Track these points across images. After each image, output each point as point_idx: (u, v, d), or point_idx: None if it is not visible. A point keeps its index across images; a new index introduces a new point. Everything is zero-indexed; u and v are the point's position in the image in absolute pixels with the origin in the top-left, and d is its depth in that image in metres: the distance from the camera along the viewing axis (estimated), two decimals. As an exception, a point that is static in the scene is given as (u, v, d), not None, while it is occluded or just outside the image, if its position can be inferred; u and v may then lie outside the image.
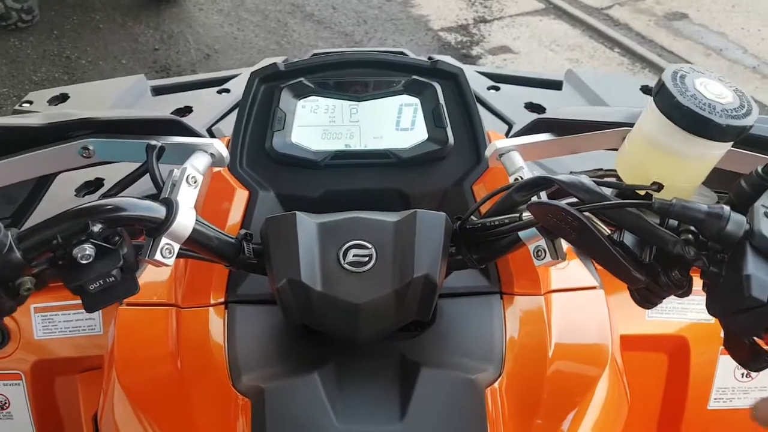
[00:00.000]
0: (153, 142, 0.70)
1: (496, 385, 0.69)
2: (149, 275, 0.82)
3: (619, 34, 3.83)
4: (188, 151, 0.73)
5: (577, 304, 0.78)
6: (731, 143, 0.54)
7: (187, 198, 0.65)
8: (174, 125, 0.75)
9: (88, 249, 0.56)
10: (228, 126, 1.21)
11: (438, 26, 3.96)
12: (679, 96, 0.53)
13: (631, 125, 0.60)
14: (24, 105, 1.27)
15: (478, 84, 1.31)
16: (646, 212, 0.53)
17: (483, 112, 1.18)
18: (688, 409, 0.94)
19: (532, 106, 1.25)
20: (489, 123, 0.86)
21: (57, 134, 0.72)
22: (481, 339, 0.73)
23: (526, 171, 0.71)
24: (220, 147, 0.74)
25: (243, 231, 0.71)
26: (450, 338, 0.73)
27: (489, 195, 0.67)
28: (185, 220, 0.62)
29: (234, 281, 0.78)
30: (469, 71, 1.38)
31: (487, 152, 0.76)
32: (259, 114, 0.86)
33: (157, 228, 0.60)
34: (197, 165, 0.70)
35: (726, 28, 3.86)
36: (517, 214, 0.62)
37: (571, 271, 0.81)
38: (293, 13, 4.04)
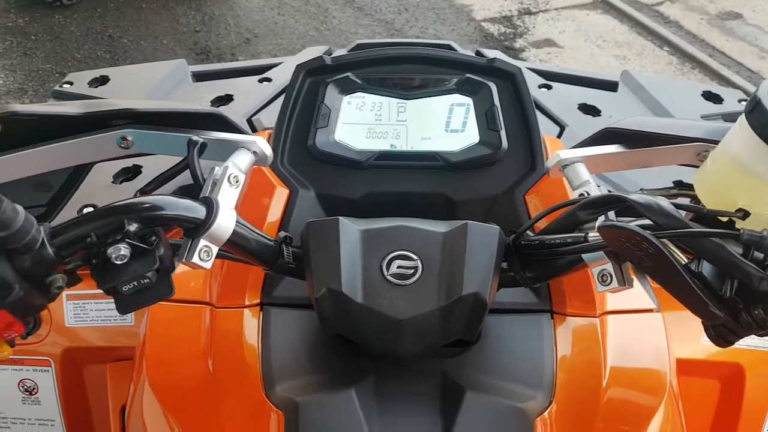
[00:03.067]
0: (195, 138, 0.67)
1: (546, 414, 0.64)
2: (183, 270, 0.80)
3: (669, 32, 3.69)
4: (230, 147, 0.70)
5: (634, 328, 0.72)
6: None
7: (228, 198, 0.62)
8: (217, 120, 0.73)
9: (124, 249, 0.54)
10: (268, 116, 1.18)
11: (481, 17, 3.87)
12: None
13: (710, 141, 0.55)
14: (64, 86, 1.25)
15: (528, 82, 1.26)
16: (729, 241, 0.48)
17: None
18: None
19: (586, 108, 1.19)
20: (540, 124, 0.81)
21: (96, 123, 0.69)
22: (530, 362, 0.68)
23: (593, 186, 0.65)
24: (264, 145, 0.71)
25: (283, 234, 0.68)
26: (496, 359, 0.69)
27: (549, 210, 0.62)
28: (226, 222, 0.59)
29: (270, 283, 0.76)
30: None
31: (549, 163, 0.70)
32: (303, 109, 0.83)
33: (195, 229, 0.58)
34: (240, 164, 0.67)
35: (783, 30, 3.70)
36: (582, 234, 0.57)
37: (628, 291, 0.76)
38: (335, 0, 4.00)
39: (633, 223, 0.50)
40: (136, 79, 1.31)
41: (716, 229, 0.47)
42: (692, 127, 0.68)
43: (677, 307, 0.53)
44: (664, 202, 0.50)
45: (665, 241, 0.49)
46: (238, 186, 0.64)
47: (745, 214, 0.50)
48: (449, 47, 1.11)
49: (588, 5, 4.03)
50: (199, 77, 1.36)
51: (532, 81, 1.27)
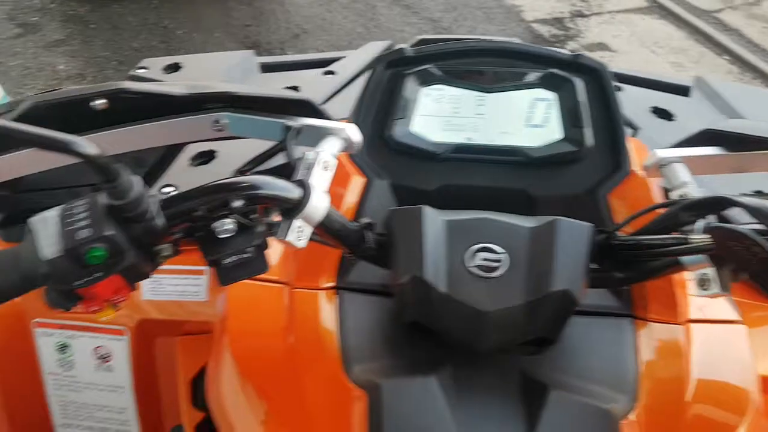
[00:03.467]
0: (291, 123, 0.68)
1: (630, 418, 0.62)
2: None
3: (729, 40, 3.60)
4: (321, 134, 0.71)
5: (719, 339, 0.70)
6: None
7: (320, 182, 0.63)
8: (307, 107, 0.74)
9: (230, 223, 0.56)
10: (333, 108, 1.19)
11: (531, 17, 3.83)
12: None
13: None
14: (139, 71, 1.29)
15: None
16: None
17: None
18: None
19: (658, 111, 1.16)
20: None
21: (195, 104, 0.71)
22: (611, 365, 0.67)
23: (694, 187, 0.64)
24: (355, 133, 0.71)
25: (366, 219, 0.68)
26: (575, 360, 0.67)
27: (646, 209, 0.60)
28: (319, 204, 0.60)
29: (344, 267, 0.76)
30: None
31: (648, 161, 0.69)
32: (382, 100, 0.83)
33: (292, 209, 0.59)
34: (331, 149, 0.68)
35: None
36: (683, 236, 0.55)
37: (711, 300, 0.73)
38: (383, -4, 4.01)
39: (743, 227, 0.49)
40: (206, 67, 1.34)
41: None
42: None
43: (759, 322, 0.51)
44: None
45: None
46: (330, 170, 0.65)
47: None
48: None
49: (643, 9, 3.95)
50: (265, 68, 1.38)
51: None
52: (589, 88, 0.79)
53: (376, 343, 0.70)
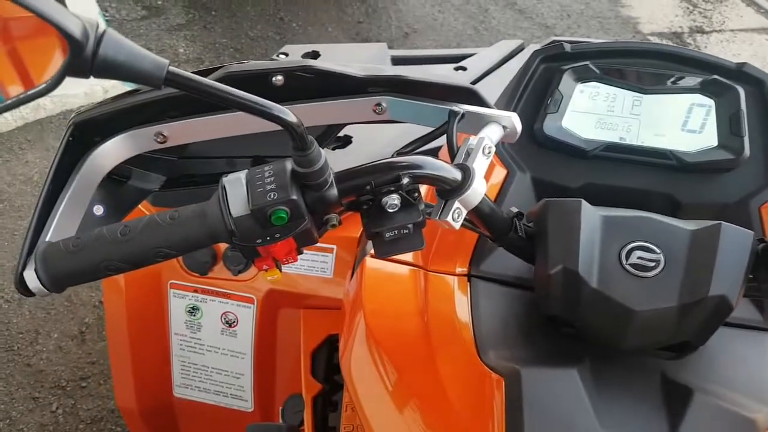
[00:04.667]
0: (456, 109, 0.70)
1: None
2: None
3: None
4: (483, 121, 0.72)
5: None
6: None
7: (480, 167, 0.65)
8: (470, 95, 0.76)
9: (396, 199, 0.59)
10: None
11: (648, 30, 3.72)
12: None
13: None
14: (280, 56, 1.36)
15: None
16: None
17: None
18: None
19: None
20: None
21: (361, 87, 0.74)
22: (754, 377, 0.66)
23: None
24: (516, 121, 0.72)
25: (515, 209, 0.70)
26: (717, 369, 0.67)
27: None
28: (479, 188, 0.62)
29: (477, 256, 0.78)
30: None
31: None
32: (534, 93, 0.84)
33: (452, 191, 0.61)
34: (492, 136, 0.69)
35: None
36: None
37: None
38: (496, 0, 4.00)
39: None
40: (343, 57, 1.39)
41: None
42: None
43: None
44: None
45: None
46: (489, 156, 0.66)
47: None
48: None
49: (767, 30, 3.76)
50: (396, 61, 1.42)
51: None
52: (751, 98, 0.78)
53: (510, 333, 0.71)
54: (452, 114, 0.70)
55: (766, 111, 0.78)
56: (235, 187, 0.55)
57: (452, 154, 0.67)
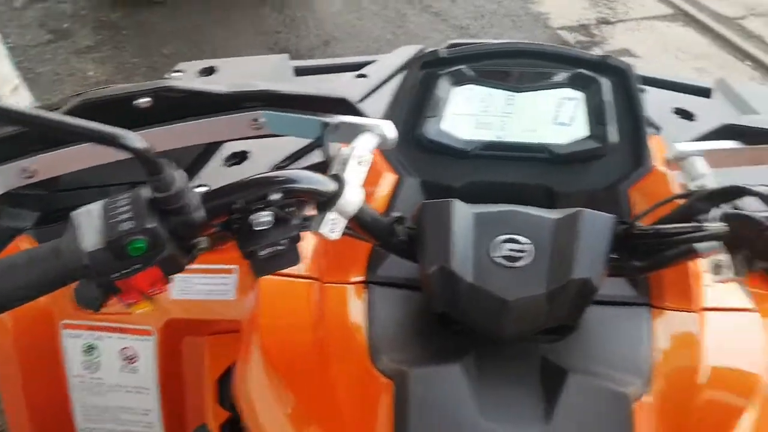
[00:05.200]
0: (328, 120, 0.71)
1: (643, 400, 0.65)
2: None
3: (752, 46, 3.59)
4: (357, 130, 0.73)
5: (732, 327, 0.72)
6: None
7: (355, 176, 0.65)
8: (343, 105, 0.77)
9: (267, 216, 0.57)
10: (365, 110, 1.23)
11: (557, 24, 3.85)
12: None
13: None
14: (174, 74, 1.33)
15: None
16: None
17: None
18: None
19: (680, 112, 1.19)
20: None
21: (233, 103, 0.74)
22: (628, 352, 0.69)
23: (711, 179, 0.67)
24: (390, 129, 0.74)
25: (397, 214, 0.71)
26: (594, 347, 0.70)
27: (665, 200, 0.64)
28: (353, 197, 0.62)
29: (373, 262, 0.78)
30: None
31: (668, 155, 0.72)
32: (415, 99, 0.86)
33: (327, 202, 0.61)
34: (366, 145, 0.70)
35: None
36: (700, 224, 0.59)
37: (725, 289, 0.75)
38: (412, 4, 4.05)
39: (758, 214, 0.52)
40: (241, 70, 1.37)
41: None
42: None
43: None
44: None
45: None
46: (365, 165, 0.67)
47: None
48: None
49: (668, 17, 3.95)
50: (299, 72, 1.42)
51: None
52: (615, 88, 0.82)
53: (403, 335, 0.72)
54: (324, 125, 0.71)
55: (629, 99, 0.82)
56: (89, 219, 0.53)
57: (326, 167, 0.68)
